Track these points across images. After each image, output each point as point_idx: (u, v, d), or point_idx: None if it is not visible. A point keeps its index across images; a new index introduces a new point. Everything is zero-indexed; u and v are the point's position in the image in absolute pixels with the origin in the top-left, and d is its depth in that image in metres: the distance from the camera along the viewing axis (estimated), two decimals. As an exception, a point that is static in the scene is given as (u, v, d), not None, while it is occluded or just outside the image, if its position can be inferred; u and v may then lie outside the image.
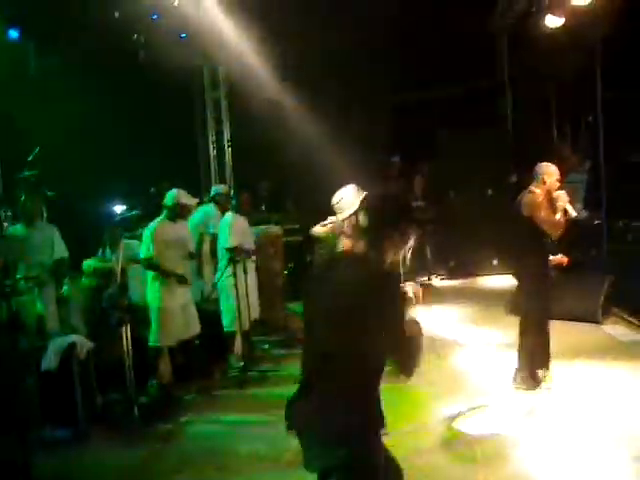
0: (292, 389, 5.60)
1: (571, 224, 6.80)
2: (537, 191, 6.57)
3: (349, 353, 2.87)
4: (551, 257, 6.89)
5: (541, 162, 6.78)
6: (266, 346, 8.83)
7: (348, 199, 5.26)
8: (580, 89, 15.01)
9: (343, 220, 5.19)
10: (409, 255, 10.29)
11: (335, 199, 5.43)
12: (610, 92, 13.24)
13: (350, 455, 2.86)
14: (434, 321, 9.74)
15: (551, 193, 6.58)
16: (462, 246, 12.83)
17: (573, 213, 6.70)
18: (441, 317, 9.99)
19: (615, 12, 12.78)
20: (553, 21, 11.18)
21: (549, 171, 6.62)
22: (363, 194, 5.04)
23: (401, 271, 5.27)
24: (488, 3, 13.78)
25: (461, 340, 8.73)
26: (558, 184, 6.62)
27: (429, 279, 12.74)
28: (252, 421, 6.31)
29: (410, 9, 12.77)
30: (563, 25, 11.99)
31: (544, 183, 6.57)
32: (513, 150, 13.56)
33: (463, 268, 12.92)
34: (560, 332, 8.46)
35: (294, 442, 5.39)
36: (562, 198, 6.56)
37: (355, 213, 3.24)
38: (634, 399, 6.15)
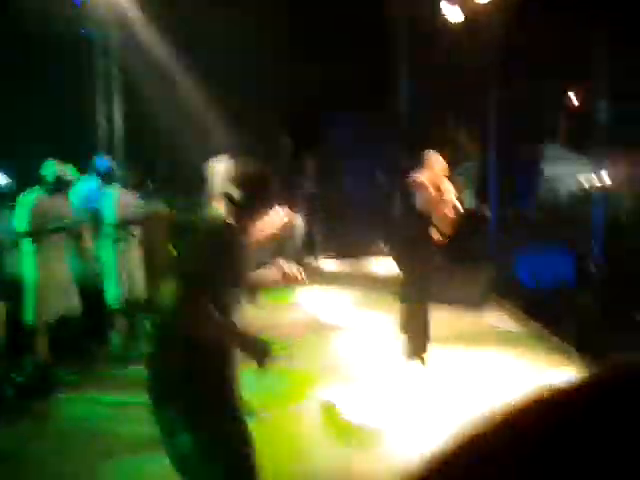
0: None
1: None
2: (426, 180, 6.65)
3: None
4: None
5: (434, 148, 6.90)
6: (148, 325, 8.64)
7: (220, 174, 5.22)
8: (478, 82, 15.44)
9: (214, 193, 5.11)
10: (299, 235, 10.42)
11: (209, 174, 5.39)
12: (507, 89, 13.70)
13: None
14: (318, 303, 9.83)
15: (435, 183, 6.68)
16: (352, 228, 12.96)
17: (460, 207, 6.85)
18: (326, 299, 10.08)
19: (513, 11, 13.21)
20: (451, 11, 11.39)
21: (434, 159, 6.75)
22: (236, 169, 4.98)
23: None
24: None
25: (344, 323, 8.81)
26: (444, 173, 6.72)
27: (316, 260, 12.82)
28: (133, 402, 6.16)
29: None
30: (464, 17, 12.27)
31: (428, 171, 6.68)
32: (406, 135, 13.77)
33: (352, 250, 13.05)
34: (442, 318, 8.72)
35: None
36: (449, 189, 6.69)
37: (226, 187, 3.33)
38: (503, 384, 6.34)
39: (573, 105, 31.79)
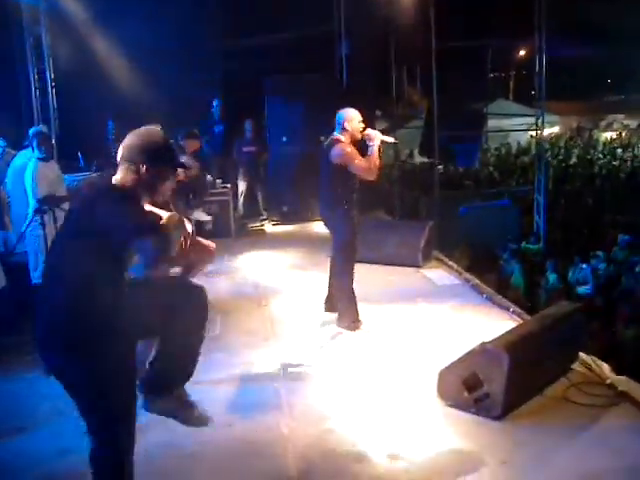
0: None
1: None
2: (342, 139, 6.50)
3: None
4: None
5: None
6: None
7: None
8: (415, 37, 15.37)
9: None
10: (241, 200, 10.30)
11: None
12: (443, 41, 13.61)
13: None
14: (261, 267, 9.74)
15: (356, 137, 6.54)
16: (296, 191, 12.82)
17: (391, 140, 6.73)
18: (269, 263, 9.99)
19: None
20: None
21: (349, 116, 6.51)
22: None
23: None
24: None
25: (285, 286, 8.72)
26: (362, 126, 6.52)
27: (262, 224, 12.71)
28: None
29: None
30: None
31: (346, 129, 6.50)
32: (347, 96, 13.60)
33: (297, 213, 12.93)
34: (382, 276, 8.76)
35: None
36: (374, 135, 6.48)
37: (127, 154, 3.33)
38: (440, 340, 6.37)
39: (522, 61, 32.13)
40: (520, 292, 10.78)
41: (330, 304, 7.12)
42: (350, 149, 6.44)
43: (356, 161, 6.42)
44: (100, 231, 3.12)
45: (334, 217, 6.72)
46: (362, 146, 6.56)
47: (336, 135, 6.55)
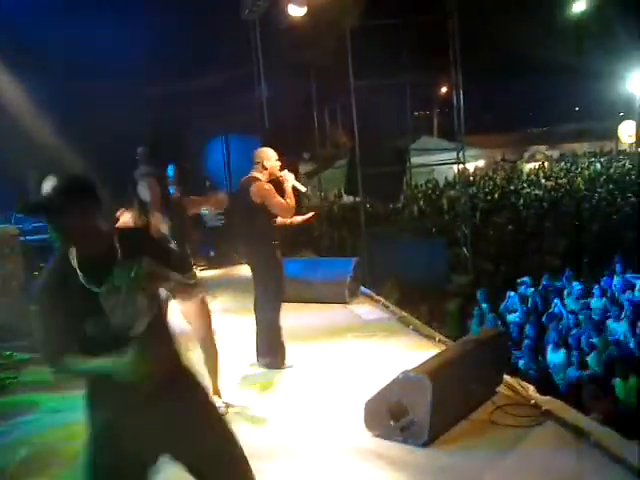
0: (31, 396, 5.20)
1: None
2: (261, 177, 6.56)
3: None
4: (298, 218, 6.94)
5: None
6: (8, 352, 8.22)
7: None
8: (334, 78, 15.60)
9: None
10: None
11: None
12: (362, 81, 13.84)
13: None
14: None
15: (274, 175, 6.61)
16: (223, 235, 12.76)
17: (302, 188, 6.82)
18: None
19: (360, 4, 13.40)
20: (295, 10, 11.43)
21: (267, 155, 6.63)
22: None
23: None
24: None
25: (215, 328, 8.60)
26: (279, 164, 6.63)
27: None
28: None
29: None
30: (310, 16, 12.34)
31: (265, 168, 6.58)
32: (269, 139, 13.69)
33: (223, 258, 12.84)
34: (309, 313, 8.75)
35: (20, 453, 5.16)
36: (288, 177, 6.61)
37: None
38: (368, 372, 6.36)
39: (444, 98, 32.87)
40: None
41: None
42: (268, 187, 6.51)
43: (274, 199, 6.49)
44: None
45: (258, 256, 6.74)
46: (276, 186, 6.63)
47: (254, 174, 6.60)
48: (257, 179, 6.55)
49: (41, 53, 11.78)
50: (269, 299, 6.76)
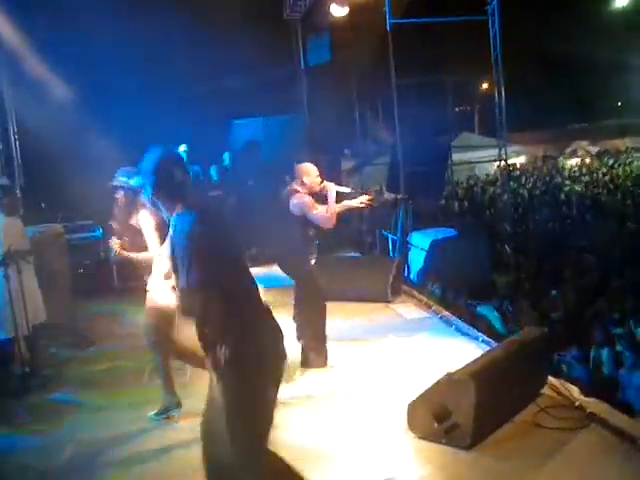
0: (75, 395, 5.32)
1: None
2: (301, 190, 6.69)
3: None
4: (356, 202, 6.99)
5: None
6: (53, 350, 8.38)
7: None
8: (376, 76, 15.62)
9: None
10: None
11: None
12: (404, 78, 13.83)
13: None
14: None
15: (314, 190, 6.73)
16: (265, 233, 12.80)
17: (346, 190, 6.89)
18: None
19: (403, 4, 13.40)
20: (338, 10, 11.47)
21: (307, 170, 6.77)
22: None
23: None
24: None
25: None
26: (319, 180, 6.76)
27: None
28: (25, 432, 5.95)
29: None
30: (351, 15, 12.38)
31: (303, 184, 6.71)
32: (311, 138, 13.75)
33: (265, 255, 12.89)
34: (351, 313, 8.77)
35: (65, 451, 5.27)
36: (330, 187, 6.73)
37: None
38: (410, 373, 6.38)
39: (485, 94, 32.62)
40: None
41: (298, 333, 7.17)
42: (308, 199, 6.64)
43: (314, 211, 6.62)
44: None
45: (291, 264, 6.87)
46: (320, 197, 6.77)
47: (295, 186, 6.75)
48: (297, 191, 6.69)
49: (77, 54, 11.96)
50: (310, 301, 6.84)
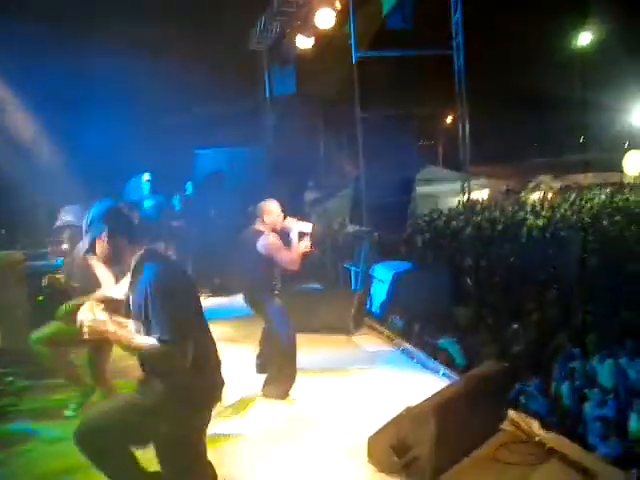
0: (31, 424, 5.21)
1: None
2: (264, 229, 6.70)
3: None
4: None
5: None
6: (10, 378, 8.19)
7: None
8: (341, 108, 15.73)
9: None
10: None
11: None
12: (369, 111, 13.94)
13: None
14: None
15: (276, 228, 6.74)
16: (227, 263, 12.73)
17: (307, 229, 6.86)
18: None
19: (369, 37, 13.54)
20: (303, 42, 11.55)
21: (268, 210, 6.77)
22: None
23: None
24: (248, 23, 13.96)
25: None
26: (280, 218, 6.78)
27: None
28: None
29: (167, 27, 12.68)
30: (317, 47, 12.46)
31: (264, 222, 6.73)
32: (274, 169, 13.74)
33: (228, 285, 12.82)
34: (312, 345, 8.69)
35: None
36: (291, 225, 6.77)
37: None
38: (371, 406, 6.34)
39: (450, 128, 33.02)
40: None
41: (262, 365, 7.27)
42: (274, 240, 6.63)
43: (281, 254, 6.61)
44: None
45: (258, 301, 6.83)
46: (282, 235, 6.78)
47: (257, 226, 6.75)
48: (262, 232, 6.68)
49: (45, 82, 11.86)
50: (282, 332, 6.81)
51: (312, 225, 7.11)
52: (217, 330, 9.80)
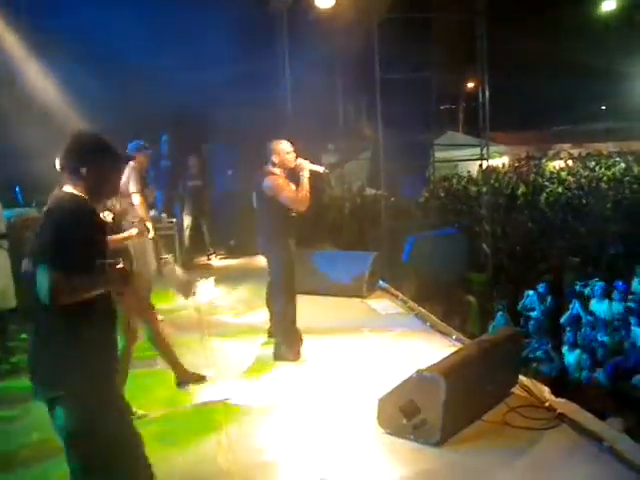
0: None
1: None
2: (275, 170, 6.58)
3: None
4: None
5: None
6: (23, 335, 8.27)
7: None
8: (361, 71, 15.58)
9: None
10: (186, 234, 10.13)
11: None
12: (389, 74, 13.82)
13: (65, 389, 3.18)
14: (206, 302, 9.63)
15: (287, 167, 6.61)
16: (243, 224, 12.73)
17: (320, 169, 6.75)
18: (215, 297, 9.89)
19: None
20: (323, 2, 11.40)
21: (277, 149, 6.59)
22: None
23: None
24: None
25: (230, 321, 8.66)
26: (291, 157, 6.59)
27: (208, 258, 12.59)
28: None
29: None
30: (338, 7, 12.30)
31: (275, 163, 6.59)
32: (291, 130, 13.63)
33: (244, 247, 12.83)
34: (326, 307, 8.74)
35: (32, 437, 5.19)
36: (304, 165, 6.58)
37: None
38: (382, 369, 6.35)
39: (470, 93, 32.64)
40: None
41: (270, 329, 7.29)
42: (280, 181, 6.51)
43: (284, 192, 6.49)
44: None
45: (271, 248, 6.75)
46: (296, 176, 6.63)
47: (268, 168, 6.61)
48: (270, 172, 6.57)
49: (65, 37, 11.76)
50: (282, 291, 6.79)
51: (324, 167, 6.96)
52: (232, 292, 9.96)
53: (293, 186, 6.58)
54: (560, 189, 23.35)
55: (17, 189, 9.03)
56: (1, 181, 8.51)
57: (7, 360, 7.22)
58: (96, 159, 3.35)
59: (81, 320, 3.18)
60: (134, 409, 5.49)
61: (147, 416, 5.50)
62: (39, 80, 11.17)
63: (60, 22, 11.16)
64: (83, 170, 3.31)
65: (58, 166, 3.39)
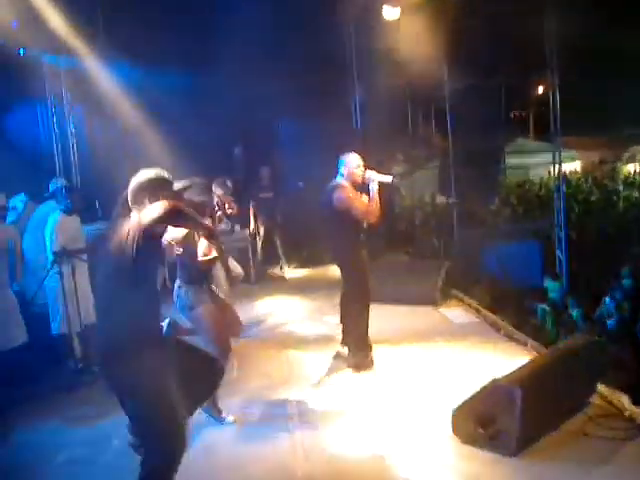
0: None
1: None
2: (344, 184, 6.66)
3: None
4: None
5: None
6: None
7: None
8: (430, 78, 15.52)
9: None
10: (259, 245, 10.27)
11: None
12: (460, 81, 13.75)
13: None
14: (280, 312, 9.75)
15: (356, 180, 6.68)
16: (315, 235, 12.84)
17: (388, 179, 6.78)
18: (288, 308, 10.00)
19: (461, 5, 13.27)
20: (389, 12, 11.43)
21: (346, 161, 6.70)
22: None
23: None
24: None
25: (304, 330, 8.74)
26: (359, 170, 6.67)
27: (281, 269, 12.71)
28: (76, 425, 6.08)
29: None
30: (405, 16, 12.30)
31: (344, 175, 6.68)
32: (363, 141, 13.67)
33: (316, 257, 12.94)
34: (399, 316, 8.76)
35: (114, 445, 5.35)
36: (372, 177, 6.65)
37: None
38: (456, 378, 6.33)
39: (540, 98, 32.16)
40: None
41: (343, 338, 7.28)
42: (350, 194, 6.60)
43: (355, 205, 6.60)
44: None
45: (344, 259, 6.83)
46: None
47: (337, 181, 6.71)
48: (339, 186, 6.67)
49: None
50: (355, 301, 6.85)
51: (392, 177, 6.99)
52: (305, 302, 10.03)
53: (364, 197, 6.66)
54: (636, 193, 22.74)
55: (97, 204, 9.29)
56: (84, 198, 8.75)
57: (90, 370, 7.35)
58: (157, 193, 3.85)
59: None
60: (224, 414, 5.68)
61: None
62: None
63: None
64: (147, 202, 3.82)
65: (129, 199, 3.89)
